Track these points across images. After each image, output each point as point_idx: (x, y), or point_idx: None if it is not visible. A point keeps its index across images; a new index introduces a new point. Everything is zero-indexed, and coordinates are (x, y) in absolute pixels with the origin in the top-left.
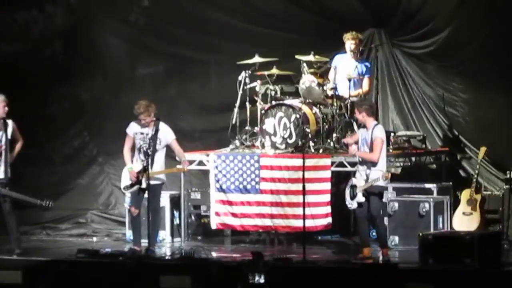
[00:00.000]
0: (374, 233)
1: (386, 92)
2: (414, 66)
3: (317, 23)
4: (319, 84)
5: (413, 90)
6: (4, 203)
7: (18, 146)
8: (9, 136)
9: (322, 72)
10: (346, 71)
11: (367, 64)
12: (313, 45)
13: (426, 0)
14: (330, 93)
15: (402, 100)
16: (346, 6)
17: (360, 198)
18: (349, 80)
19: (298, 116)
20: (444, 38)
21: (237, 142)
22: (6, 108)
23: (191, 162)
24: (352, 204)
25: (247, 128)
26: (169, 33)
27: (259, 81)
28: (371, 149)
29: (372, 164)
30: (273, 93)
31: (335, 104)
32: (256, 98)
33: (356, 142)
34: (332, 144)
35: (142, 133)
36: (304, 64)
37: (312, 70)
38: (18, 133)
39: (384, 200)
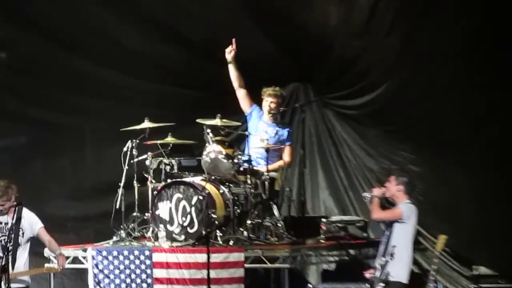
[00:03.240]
0: None
1: (316, 165)
2: (351, 131)
3: (225, 77)
4: (228, 156)
5: (351, 162)
6: None
7: None
8: None
9: (231, 141)
10: (262, 137)
11: (288, 129)
12: (220, 106)
13: (364, 47)
14: (242, 167)
15: (337, 176)
16: (263, 55)
17: None
18: (267, 150)
19: (201, 197)
20: (386, 94)
21: (123, 233)
22: None
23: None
24: None
25: (135, 214)
26: (31, 93)
27: (150, 153)
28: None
29: (390, 253)
30: (168, 168)
31: (249, 181)
32: (146, 175)
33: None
34: (246, 233)
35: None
36: (208, 131)
37: (218, 137)
38: None
39: None
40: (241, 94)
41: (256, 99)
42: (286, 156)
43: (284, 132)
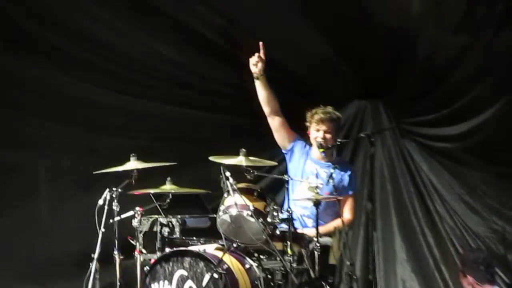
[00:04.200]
0: None
1: (391, 226)
2: (446, 174)
3: (256, 96)
4: (257, 213)
5: (445, 222)
6: None
7: None
8: None
9: (263, 190)
10: (310, 185)
11: (350, 171)
12: (247, 137)
13: (464, 47)
14: (279, 229)
15: (423, 242)
16: (310, 62)
17: None
18: (316, 205)
19: (216, 276)
20: (499, 118)
21: None
22: None
23: None
24: None
25: None
26: None
27: (138, 209)
28: None
29: None
30: (166, 231)
31: (289, 250)
32: (133, 241)
33: None
34: None
35: None
36: (228, 174)
37: (243, 185)
38: None
39: None
40: (276, 123)
41: (300, 128)
42: (347, 212)
43: (344, 176)
